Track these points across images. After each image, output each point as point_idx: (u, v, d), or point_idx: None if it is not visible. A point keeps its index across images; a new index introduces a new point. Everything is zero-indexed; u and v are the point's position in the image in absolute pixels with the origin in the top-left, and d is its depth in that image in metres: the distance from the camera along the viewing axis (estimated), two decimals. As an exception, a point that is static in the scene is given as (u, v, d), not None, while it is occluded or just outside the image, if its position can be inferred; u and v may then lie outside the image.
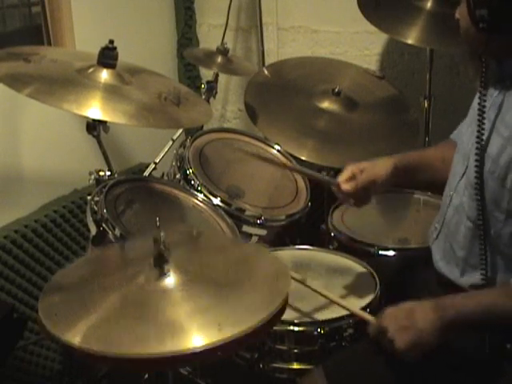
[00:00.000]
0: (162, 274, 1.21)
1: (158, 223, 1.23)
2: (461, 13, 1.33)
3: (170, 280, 1.21)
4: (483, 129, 1.29)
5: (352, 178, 1.54)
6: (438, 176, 1.58)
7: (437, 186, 1.56)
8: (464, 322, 1.26)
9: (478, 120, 1.29)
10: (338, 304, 1.45)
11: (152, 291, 1.19)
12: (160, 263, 1.22)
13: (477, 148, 1.30)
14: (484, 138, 1.30)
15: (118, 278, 1.25)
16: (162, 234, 1.21)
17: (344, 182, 1.53)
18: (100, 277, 1.28)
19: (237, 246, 1.48)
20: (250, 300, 1.18)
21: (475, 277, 1.36)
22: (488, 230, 1.32)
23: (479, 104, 1.30)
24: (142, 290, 1.20)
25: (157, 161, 2.14)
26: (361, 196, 1.55)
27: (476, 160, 1.30)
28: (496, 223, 1.31)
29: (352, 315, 1.44)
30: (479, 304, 1.26)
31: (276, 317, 1.16)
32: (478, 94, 1.37)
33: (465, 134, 1.47)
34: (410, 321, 1.26)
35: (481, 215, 1.30)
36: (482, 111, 1.29)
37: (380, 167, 1.55)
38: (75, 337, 1.09)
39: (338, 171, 2.29)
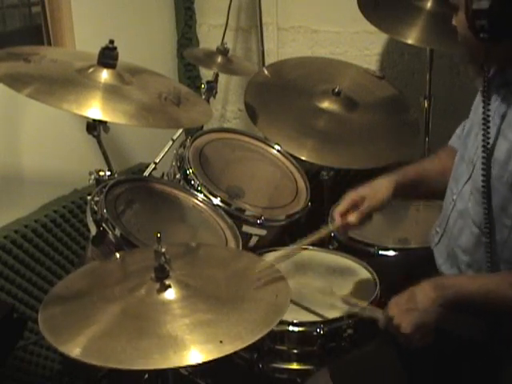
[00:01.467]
0: (163, 288, 1.21)
1: (159, 236, 1.22)
2: (459, 21, 1.31)
3: (171, 294, 1.21)
4: (488, 138, 1.28)
5: (353, 206, 1.53)
6: (438, 188, 1.56)
7: (438, 197, 1.55)
8: (464, 302, 1.26)
9: (483, 130, 1.29)
10: (347, 303, 1.47)
11: (153, 304, 1.19)
12: (161, 276, 1.22)
13: (483, 156, 1.29)
14: (490, 143, 1.29)
15: (118, 291, 1.25)
16: (163, 247, 1.21)
17: (346, 213, 1.52)
18: (100, 289, 1.28)
19: (236, 259, 1.47)
20: (250, 317, 1.19)
21: None
22: (494, 235, 1.31)
23: (483, 113, 1.29)
24: (143, 303, 1.20)
25: (157, 161, 2.14)
26: (364, 222, 1.54)
27: (483, 164, 1.29)
28: (503, 229, 1.30)
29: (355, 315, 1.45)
30: (480, 287, 1.27)
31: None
32: (480, 98, 1.36)
33: (467, 136, 1.46)
34: (411, 303, 1.27)
35: (487, 222, 1.29)
36: (486, 120, 1.28)
37: (381, 192, 1.53)
38: (75, 349, 1.09)
39: (337, 171, 2.30)
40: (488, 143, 1.29)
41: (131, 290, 1.23)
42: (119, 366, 1.06)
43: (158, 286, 1.21)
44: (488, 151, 1.29)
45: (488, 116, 1.28)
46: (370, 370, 1.37)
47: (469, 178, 1.39)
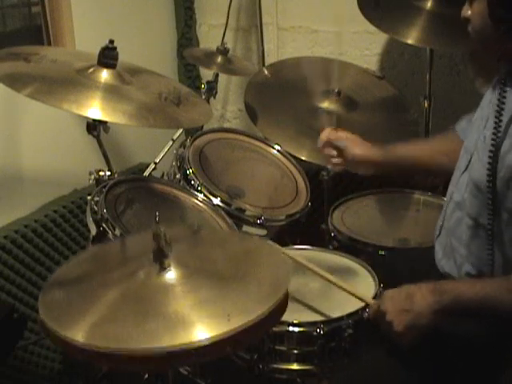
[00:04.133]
0: (163, 269, 1.20)
1: (157, 218, 1.22)
2: (475, 11, 1.28)
3: (171, 274, 1.21)
4: (499, 131, 1.28)
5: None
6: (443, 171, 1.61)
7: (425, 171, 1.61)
8: (461, 308, 1.27)
9: (495, 122, 1.28)
10: (336, 284, 1.48)
11: (153, 286, 1.19)
12: (160, 258, 1.21)
13: (490, 150, 1.29)
14: (499, 136, 1.29)
15: (117, 274, 1.24)
16: (161, 228, 1.21)
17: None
18: (99, 273, 1.27)
19: (236, 240, 1.47)
20: (255, 290, 1.18)
21: (473, 275, 1.36)
22: (494, 228, 1.31)
23: (498, 106, 1.28)
24: (143, 285, 1.20)
25: (157, 161, 2.14)
26: (355, 143, 1.64)
27: (490, 158, 1.29)
28: (501, 221, 1.31)
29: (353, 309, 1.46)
30: (478, 293, 1.26)
31: (281, 306, 1.17)
32: (488, 97, 1.35)
33: (471, 129, 1.45)
34: (408, 304, 1.28)
35: (491, 214, 1.30)
36: (499, 113, 1.28)
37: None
38: (78, 334, 1.08)
39: (337, 172, 2.29)
40: (499, 136, 1.28)
41: (130, 273, 1.23)
42: (129, 347, 1.05)
43: (157, 267, 1.21)
44: (496, 145, 1.28)
45: (502, 110, 1.27)
46: (370, 382, 1.37)
47: (465, 170, 1.39)
